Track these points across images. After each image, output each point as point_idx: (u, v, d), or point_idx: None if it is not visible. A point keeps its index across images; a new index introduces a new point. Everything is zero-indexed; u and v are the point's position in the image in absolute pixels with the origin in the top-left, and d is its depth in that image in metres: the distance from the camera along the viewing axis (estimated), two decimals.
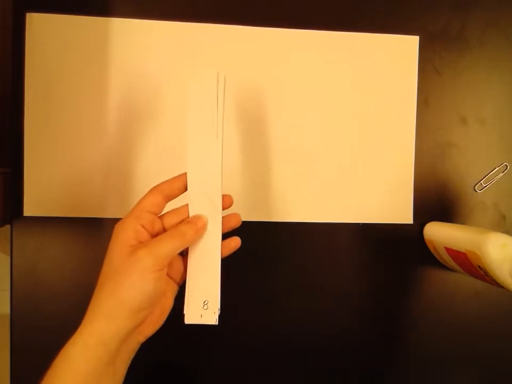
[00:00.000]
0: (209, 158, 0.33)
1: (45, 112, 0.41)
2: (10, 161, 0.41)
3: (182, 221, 0.33)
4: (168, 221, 0.33)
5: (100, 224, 0.42)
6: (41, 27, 0.41)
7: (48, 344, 0.42)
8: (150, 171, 0.42)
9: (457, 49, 0.46)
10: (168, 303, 0.32)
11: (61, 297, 0.41)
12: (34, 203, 0.41)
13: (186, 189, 0.33)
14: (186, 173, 0.33)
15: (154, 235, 0.32)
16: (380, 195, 0.45)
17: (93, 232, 0.42)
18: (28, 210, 0.41)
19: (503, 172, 0.46)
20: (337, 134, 0.44)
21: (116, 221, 0.41)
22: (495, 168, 0.46)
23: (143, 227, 0.31)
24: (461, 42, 0.46)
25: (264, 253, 0.43)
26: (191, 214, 0.33)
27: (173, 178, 0.33)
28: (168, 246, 0.30)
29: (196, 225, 0.32)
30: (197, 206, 0.33)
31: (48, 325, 0.41)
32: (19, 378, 0.40)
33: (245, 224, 0.35)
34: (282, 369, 0.43)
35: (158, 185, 0.33)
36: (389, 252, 0.45)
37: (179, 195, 0.33)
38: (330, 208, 0.44)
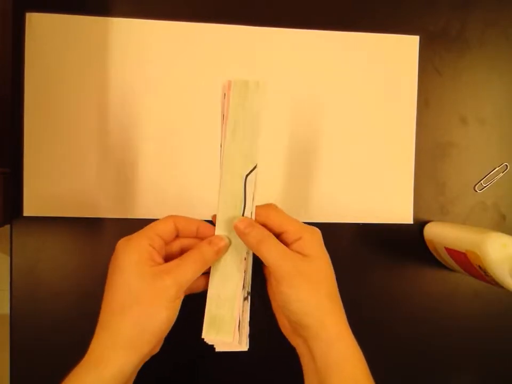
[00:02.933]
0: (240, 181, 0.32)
1: (45, 112, 0.41)
2: (10, 161, 0.41)
3: (201, 240, 0.32)
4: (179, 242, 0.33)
5: (100, 224, 0.42)
6: (41, 27, 0.41)
7: (48, 344, 0.42)
8: (150, 171, 0.42)
9: (457, 49, 0.46)
10: None
11: (61, 297, 0.41)
12: (34, 203, 0.41)
13: (195, 236, 0.33)
14: (201, 220, 0.33)
15: (165, 258, 0.31)
16: (380, 195, 0.45)
17: (93, 232, 0.42)
18: (28, 210, 0.41)
19: (503, 172, 0.46)
20: (337, 133, 0.44)
21: (116, 221, 0.41)
22: (495, 168, 0.46)
23: (155, 249, 0.30)
24: (461, 42, 0.46)
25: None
26: (216, 232, 0.32)
27: (191, 218, 0.33)
28: (191, 271, 0.29)
29: (218, 245, 0.31)
30: (222, 223, 0.32)
31: (48, 325, 0.41)
32: (19, 378, 0.40)
33: None
34: (281, 369, 0.43)
35: (174, 216, 0.32)
36: (389, 252, 0.45)
37: (188, 237, 0.33)
38: (330, 208, 0.44)
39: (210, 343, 0.32)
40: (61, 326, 0.41)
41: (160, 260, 0.30)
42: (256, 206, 0.33)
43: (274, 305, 0.35)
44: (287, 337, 0.34)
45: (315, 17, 0.44)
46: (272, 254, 0.30)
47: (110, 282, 0.29)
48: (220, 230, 0.32)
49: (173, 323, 0.30)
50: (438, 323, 0.45)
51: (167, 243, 0.32)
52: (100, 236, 0.42)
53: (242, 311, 0.32)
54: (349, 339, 0.30)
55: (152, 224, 0.31)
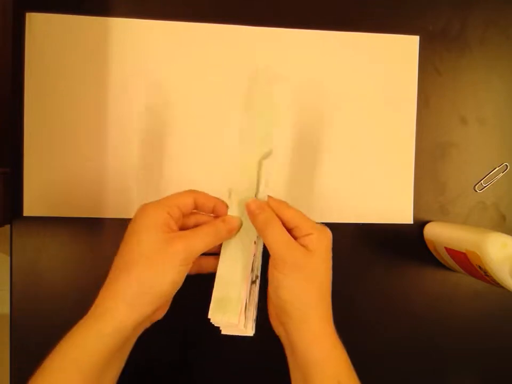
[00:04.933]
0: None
1: (44, 112, 0.41)
2: (10, 161, 0.41)
3: (216, 217, 0.33)
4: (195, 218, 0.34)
5: (100, 224, 0.42)
6: (41, 27, 0.41)
7: (48, 344, 0.42)
8: (150, 171, 0.42)
9: (457, 49, 0.46)
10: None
11: (61, 297, 0.41)
12: (34, 203, 0.41)
13: (211, 213, 0.34)
14: (218, 199, 0.33)
15: (181, 229, 0.31)
16: (380, 195, 0.45)
17: (93, 232, 0.42)
18: (28, 210, 0.41)
19: (503, 172, 0.46)
20: (337, 133, 0.44)
21: (115, 221, 0.41)
22: (495, 168, 0.46)
23: (172, 218, 0.30)
24: (461, 42, 0.46)
25: (264, 253, 0.43)
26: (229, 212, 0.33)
27: (210, 195, 0.33)
28: (203, 242, 0.30)
29: (231, 224, 0.32)
30: (235, 205, 0.33)
31: (48, 324, 0.41)
32: (19, 378, 0.40)
33: None
34: (277, 369, 0.43)
35: (195, 190, 0.33)
36: (389, 251, 0.45)
37: (205, 212, 0.33)
38: (330, 208, 0.44)
39: (216, 324, 0.32)
40: (61, 326, 0.41)
41: (175, 228, 0.31)
42: (272, 198, 0.34)
43: (268, 293, 0.35)
44: (272, 325, 0.34)
45: (315, 17, 0.44)
46: (275, 238, 0.31)
47: (124, 242, 0.30)
48: (233, 211, 0.33)
49: (175, 291, 0.30)
50: (438, 323, 0.45)
51: (184, 215, 0.32)
52: (100, 235, 0.42)
53: (250, 294, 0.32)
54: (331, 337, 0.30)
55: (173, 194, 0.32)
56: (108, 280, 0.29)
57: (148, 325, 0.31)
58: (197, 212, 0.34)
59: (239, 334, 0.32)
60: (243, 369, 0.43)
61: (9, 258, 0.40)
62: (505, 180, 0.46)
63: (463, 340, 0.46)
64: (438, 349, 0.45)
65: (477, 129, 0.46)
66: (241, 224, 0.33)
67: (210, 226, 0.31)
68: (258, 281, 0.34)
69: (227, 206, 0.34)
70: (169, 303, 0.33)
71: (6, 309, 0.40)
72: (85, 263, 0.42)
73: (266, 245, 0.32)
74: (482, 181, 0.46)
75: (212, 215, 0.35)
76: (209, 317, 0.31)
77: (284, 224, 0.32)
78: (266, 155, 0.33)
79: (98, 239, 0.42)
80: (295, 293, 0.30)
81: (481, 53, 0.46)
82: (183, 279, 0.30)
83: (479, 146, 0.46)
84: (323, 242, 0.32)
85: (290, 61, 0.44)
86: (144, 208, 0.30)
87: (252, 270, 0.33)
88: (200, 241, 0.30)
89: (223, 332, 0.33)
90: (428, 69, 0.45)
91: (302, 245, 0.31)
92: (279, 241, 0.31)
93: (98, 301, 0.29)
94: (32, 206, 0.41)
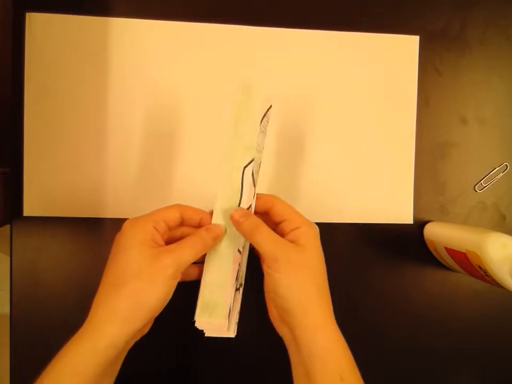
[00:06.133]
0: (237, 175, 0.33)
1: (44, 112, 0.41)
2: (10, 161, 0.41)
3: (199, 227, 0.33)
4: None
5: (99, 224, 0.42)
6: (41, 27, 0.41)
7: (48, 344, 0.42)
8: (151, 171, 0.42)
9: (457, 49, 0.46)
10: None
11: (61, 297, 0.41)
12: (34, 203, 0.41)
13: (198, 226, 0.34)
14: (205, 212, 0.34)
15: (167, 243, 0.32)
16: (380, 195, 0.45)
17: (93, 232, 0.42)
18: (28, 210, 0.41)
19: (503, 172, 0.46)
20: (337, 133, 0.44)
21: (115, 221, 0.41)
22: (495, 168, 0.46)
23: (158, 233, 0.31)
24: (461, 42, 0.46)
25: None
26: (213, 221, 0.34)
27: (196, 209, 0.34)
28: (190, 254, 0.31)
29: (215, 232, 0.32)
30: (219, 212, 0.34)
31: (48, 325, 0.41)
32: (19, 378, 0.40)
33: None
34: (274, 368, 0.43)
35: (179, 205, 0.33)
36: (389, 251, 0.45)
37: (191, 226, 0.34)
38: (330, 208, 0.44)
39: (200, 327, 0.33)
40: (61, 326, 0.41)
41: (162, 242, 0.31)
42: (263, 194, 0.34)
43: (267, 296, 0.35)
44: (275, 326, 0.35)
45: (315, 17, 0.44)
46: (265, 240, 0.31)
47: (111, 258, 0.31)
48: (216, 219, 0.34)
49: (165, 303, 0.30)
50: (438, 323, 0.45)
51: (170, 229, 0.33)
52: (100, 235, 0.42)
53: (234, 300, 0.33)
54: (333, 330, 0.31)
55: (159, 209, 0.32)
56: (98, 296, 0.30)
57: (138, 337, 0.32)
58: (184, 225, 0.35)
59: (222, 336, 0.33)
60: (238, 372, 0.43)
61: (9, 258, 0.40)
62: (505, 180, 0.46)
63: (463, 340, 0.46)
64: (437, 349, 0.45)
65: (477, 129, 0.46)
66: (225, 231, 0.33)
67: (196, 237, 0.32)
68: (241, 289, 0.35)
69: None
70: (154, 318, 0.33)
71: (6, 309, 0.40)
72: (85, 263, 0.42)
73: (257, 248, 0.32)
74: (482, 181, 0.46)
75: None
76: (195, 319, 0.32)
77: (273, 218, 0.34)
78: (248, 163, 0.33)
79: (98, 239, 0.42)
80: (294, 289, 0.30)
81: (481, 53, 0.46)
82: (171, 292, 0.30)
83: (479, 146, 0.46)
84: (310, 236, 0.32)
85: (290, 61, 0.44)
86: (131, 223, 0.31)
87: (237, 278, 0.34)
88: (187, 253, 0.30)
89: (206, 335, 0.33)
90: (427, 69, 0.45)
91: (291, 241, 0.32)
92: (268, 241, 0.31)
93: (90, 316, 0.29)
94: (32, 206, 0.41)
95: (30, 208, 0.41)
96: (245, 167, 0.33)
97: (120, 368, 0.31)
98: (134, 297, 0.28)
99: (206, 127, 0.43)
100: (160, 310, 0.30)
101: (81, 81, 0.41)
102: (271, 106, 0.35)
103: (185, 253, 0.30)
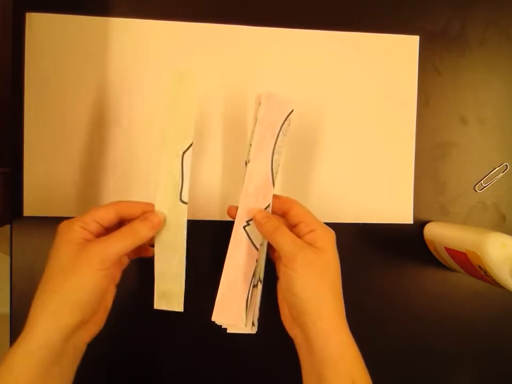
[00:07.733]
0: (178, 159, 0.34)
1: (44, 112, 0.41)
2: (10, 161, 0.41)
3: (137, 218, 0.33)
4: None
5: None
6: (41, 27, 0.41)
7: None
8: (150, 171, 0.42)
9: (457, 49, 0.46)
10: (109, 303, 0.33)
11: None
12: (34, 203, 0.41)
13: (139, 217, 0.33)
14: (147, 203, 0.33)
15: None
16: (380, 195, 0.45)
17: None
18: (28, 210, 0.41)
19: (503, 172, 0.46)
20: (337, 133, 0.44)
21: None
22: (495, 168, 0.46)
23: (89, 232, 0.31)
24: (461, 42, 0.46)
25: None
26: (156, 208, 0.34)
27: (135, 202, 0.33)
28: (118, 245, 0.30)
29: (152, 222, 0.32)
30: (161, 201, 0.33)
31: None
32: None
33: None
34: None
35: (117, 203, 0.33)
36: (389, 251, 0.45)
37: (132, 219, 0.33)
38: (330, 208, 0.44)
39: (219, 323, 0.34)
40: None
41: (93, 239, 0.31)
42: (281, 195, 0.35)
43: (280, 297, 0.36)
44: (286, 328, 0.35)
45: (315, 17, 0.44)
46: (285, 240, 0.32)
47: (47, 260, 0.31)
48: (159, 207, 0.33)
49: (100, 297, 0.30)
50: (438, 323, 0.45)
51: (107, 228, 0.32)
52: None
53: (251, 297, 0.34)
54: (346, 335, 0.31)
55: (92, 209, 0.32)
56: (34, 298, 0.29)
57: (87, 339, 0.31)
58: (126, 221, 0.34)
59: (242, 332, 0.34)
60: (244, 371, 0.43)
61: (9, 258, 0.40)
62: (505, 180, 0.46)
63: (463, 339, 0.46)
64: (437, 349, 0.45)
65: (477, 129, 0.46)
66: (164, 219, 0.33)
67: (127, 228, 0.31)
68: (260, 286, 0.36)
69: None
70: (104, 314, 0.32)
71: (6, 309, 0.40)
72: None
73: (276, 247, 0.32)
74: (482, 181, 0.46)
75: None
76: (155, 307, 0.33)
77: (290, 220, 0.34)
78: (187, 148, 0.33)
79: None
80: (310, 290, 0.31)
81: (481, 53, 0.46)
82: (103, 287, 0.30)
83: (479, 146, 0.46)
84: (327, 239, 0.33)
85: (291, 61, 0.44)
86: (62, 225, 0.31)
87: (254, 275, 0.34)
88: (115, 243, 0.30)
89: (228, 331, 0.34)
90: (428, 69, 0.45)
91: (308, 243, 0.32)
92: (288, 240, 0.32)
93: (26, 322, 0.29)
94: (32, 206, 0.41)
95: (30, 208, 0.41)
96: (183, 153, 0.33)
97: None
98: (60, 292, 0.28)
99: (206, 127, 0.42)
100: (94, 304, 0.30)
101: (81, 81, 0.41)
102: (292, 110, 0.35)
103: (111, 243, 0.30)
